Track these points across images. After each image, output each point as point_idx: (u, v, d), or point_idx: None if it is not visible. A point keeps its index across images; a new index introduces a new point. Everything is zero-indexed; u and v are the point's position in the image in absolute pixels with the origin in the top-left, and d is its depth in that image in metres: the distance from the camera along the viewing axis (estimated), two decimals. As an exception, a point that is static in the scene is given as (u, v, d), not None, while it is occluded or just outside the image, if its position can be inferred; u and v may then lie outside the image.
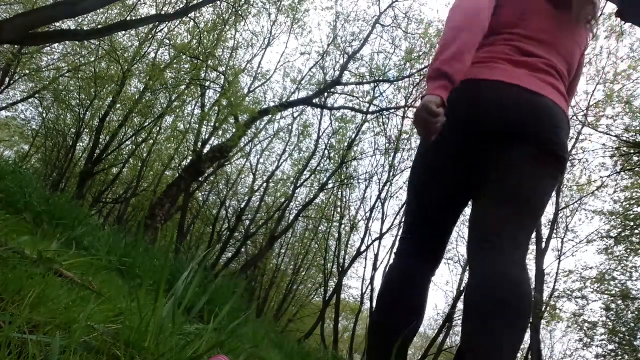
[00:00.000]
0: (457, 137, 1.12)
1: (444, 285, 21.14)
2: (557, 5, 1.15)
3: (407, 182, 1.33)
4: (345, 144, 11.59)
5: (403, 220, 1.34)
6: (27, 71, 10.98)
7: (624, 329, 8.90)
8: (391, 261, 1.23)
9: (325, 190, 12.33)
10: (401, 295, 1.16)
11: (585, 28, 1.19)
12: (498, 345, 0.91)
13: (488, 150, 1.09)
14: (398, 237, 1.29)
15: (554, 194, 10.30)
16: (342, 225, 12.73)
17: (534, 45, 1.13)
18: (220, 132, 10.49)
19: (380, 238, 12.03)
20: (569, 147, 10.04)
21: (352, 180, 12.23)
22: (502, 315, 0.93)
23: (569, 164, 10.03)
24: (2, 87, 10.89)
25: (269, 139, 13.23)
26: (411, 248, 1.21)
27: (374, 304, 1.38)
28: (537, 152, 1.06)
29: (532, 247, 10.27)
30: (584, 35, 1.22)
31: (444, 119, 1.01)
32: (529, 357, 9.23)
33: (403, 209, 10.83)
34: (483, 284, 0.99)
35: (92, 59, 10.64)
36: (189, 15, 7.86)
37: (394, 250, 1.26)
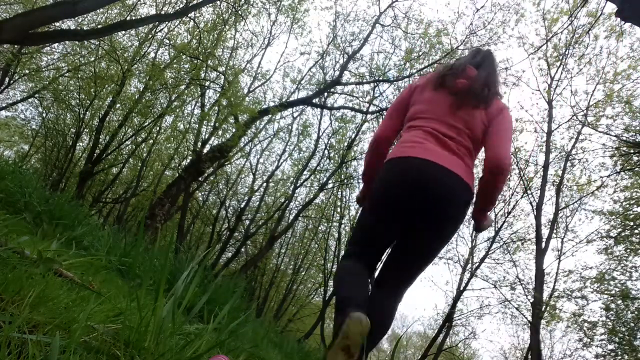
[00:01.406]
0: (385, 195, 1.51)
1: (444, 285, 21.21)
2: (457, 95, 1.57)
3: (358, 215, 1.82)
4: (345, 144, 11.59)
5: (351, 236, 1.69)
6: (27, 71, 10.98)
7: (624, 329, 8.89)
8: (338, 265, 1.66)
9: (325, 190, 12.33)
10: (351, 278, 1.49)
11: (485, 107, 1.57)
12: None
13: (409, 204, 1.47)
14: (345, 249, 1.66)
15: (553, 194, 10.27)
16: (342, 225, 12.73)
17: (442, 125, 1.54)
18: (220, 132, 10.49)
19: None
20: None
21: (352, 180, 12.23)
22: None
23: (569, 163, 10.05)
24: (2, 87, 10.89)
25: (269, 139, 13.25)
26: (355, 258, 1.55)
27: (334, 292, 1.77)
28: (437, 212, 1.46)
29: (532, 247, 10.28)
30: (485, 111, 1.58)
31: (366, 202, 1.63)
32: (529, 357, 9.22)
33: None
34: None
35: (92, 59, 10.64)
36: (189, 15, 7.86)
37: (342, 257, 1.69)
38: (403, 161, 1.49)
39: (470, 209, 1.58)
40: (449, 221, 1.47)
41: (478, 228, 1.68)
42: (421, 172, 1.44)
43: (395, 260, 1.54)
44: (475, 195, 1.57)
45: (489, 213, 1.64)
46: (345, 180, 12.09)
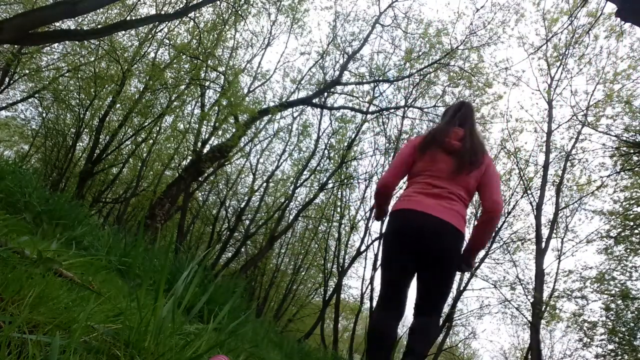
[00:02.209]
0: (397, 241, 1.92)
1: (444, 285, 21.17)
2: (453, 155, 1.94)
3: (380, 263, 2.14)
4: (345, 144, 11.58)
5: (380, 290, 1.99)
6: (27, 71, 10.97)
7: (624, 329, 8.89)
8: (374, 314, 1.96)
9: (325, 190, 12.32)
10: (382, 340, 1.83)
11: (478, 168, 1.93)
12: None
13: (414, 247, 1.87)
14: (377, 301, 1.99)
15: (553, 194, 10.27)
16: (342, 225, 12.73)
17: (440, 180, 1.92)
18: (220, 132, 10.49)
19: (380, 238, 12.02)
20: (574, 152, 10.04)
21: (352, 180, 12.22)
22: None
23: (569, 163, 10.05)
24: (2, 87, 10.88)
25: (269, 139, 13.24)
26: (386, 309, 1.90)
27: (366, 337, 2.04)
28: (436, 255, 1.85)
29: (532, 247, 10.28)
30: (477, 170, 1.93)
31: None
32: (529, 357, 9.22)
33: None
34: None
35: (92, 59, 10.64)
36: (189, 15, 7.86)
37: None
38: (408, 213, 1.89)
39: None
40: (446, 259, 1.86)
41: (461, 268, 1.96)
42: (421, 223, 1.84)
43: (420, 293, 1.93)
44: (468, 239, 1.96)
45: (475, 257, 1.97)
46: (345, 180, 12.09)
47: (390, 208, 2.08)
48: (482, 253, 12.00)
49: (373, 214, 2.19)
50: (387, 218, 2.02)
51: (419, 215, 1.85)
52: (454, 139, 1.97)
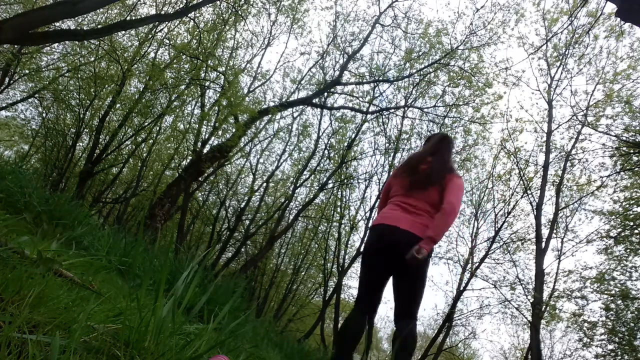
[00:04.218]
0: (370, 250, 2.27)
1: (444, 286, 21.19)
2: (418, 176, 2.33)
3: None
4: (345, 144, 11.58)
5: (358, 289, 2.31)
6: (27, 71, 10.97)
7: (624, 329, 8.89)
8: (350, 313, 2.25)
9: (325, 190, 12.32)
10: (353, 338, 2.13)
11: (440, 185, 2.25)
12: None
13: (388, 255, 2.20)
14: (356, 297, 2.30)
15: (553, 194, 10.27)
16: (342, 225, 12.72)
17: (407, 199, 2.27)
18: (220, 132, 10.48)
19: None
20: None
21: (352, 180, 12.21)
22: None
23: (569, 163, 10.05)
24: (2, 87, 10.88)
25: (269, 139, 13.23)
26: (362, 309, 2.20)
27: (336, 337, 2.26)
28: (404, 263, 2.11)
29: (532, 247, 10.28)
30: (440, 185, 2.25)
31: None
32: (529, 357, 9.22)
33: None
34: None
35: (92, 59, 10.63)
36: (189, 15, 7.86)
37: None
38: (379, 227, 2.26)
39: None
40: (412, 265, 2.09)
41: (414, 251, 2.08)
42: (388, 234, 2.19)
43: (395, 294, 2.20)
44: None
45: (427, 246, 2.12)
46: (345, 180, 12.08)
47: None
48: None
49: None
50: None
51: (386, 228, 2.21)
52: (423, 164, 2.36)
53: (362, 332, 2.14)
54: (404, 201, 2.27)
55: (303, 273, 16.76)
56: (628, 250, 9.04)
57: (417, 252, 2.04)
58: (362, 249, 2.25)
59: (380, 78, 10.75)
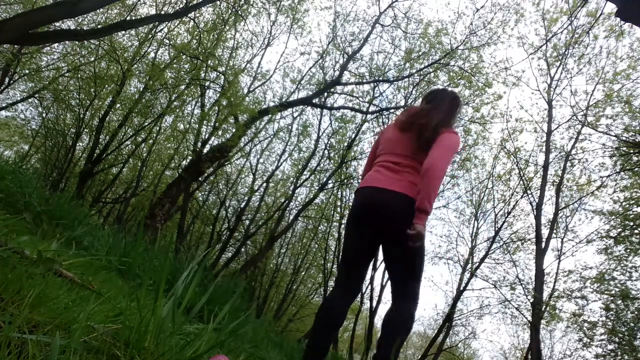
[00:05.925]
0: (359, 214, 1.95)
1: (444, 285, 21.19)
2: (405, 131, 2.01)
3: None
4: (345, 144, 11.57)
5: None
6: (27, 71, 10.97)
7: (624, 329, 8.89)
8: (329, 294, 1.98)
9: (325, 190, 12.32)
10: (331, 322, 1.87)
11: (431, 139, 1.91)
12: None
13: (375, 221, 1.89)
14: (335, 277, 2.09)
15: (553, 194, 10.26)
16: (342, 225, 12.72)
17: (395, 156, 1.97)
18: (220, 132, 10.48)
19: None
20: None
21: (352, 180, 12.22)
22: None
23: (569, 163, 10.05)
24: (2, 87, 10.88)
25: (269, 139, 13.23)
26: (344, 286, 1.94)
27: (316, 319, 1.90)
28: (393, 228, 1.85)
29: (532, 247, 10.28)
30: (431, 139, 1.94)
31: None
32: (529, 357, 9.22)
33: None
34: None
35: (92, 59, 10.62)
36: (189, 15, 7.85)
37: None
38: (363, 191, 1.97)
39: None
40: (398, 221, 1.80)
41: (410, 228, 1.75)
42: (371, 196, 1.90)
43: (390, 272, 1.94)
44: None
45: (424, 220, 1.76)
46: (345, 180, 12.08)
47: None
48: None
49: None
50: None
51: (370, 190, 1.92)
52: (409, 115, 2.06)
53: (342, 314, 1.86)
54: (391, 160, 1.97)
55: (303, 273, 16.76)
56: (628, 250, 9.04)
57: (412, 238, 1.72)
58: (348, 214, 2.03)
59: (380, 78, 10.75)
